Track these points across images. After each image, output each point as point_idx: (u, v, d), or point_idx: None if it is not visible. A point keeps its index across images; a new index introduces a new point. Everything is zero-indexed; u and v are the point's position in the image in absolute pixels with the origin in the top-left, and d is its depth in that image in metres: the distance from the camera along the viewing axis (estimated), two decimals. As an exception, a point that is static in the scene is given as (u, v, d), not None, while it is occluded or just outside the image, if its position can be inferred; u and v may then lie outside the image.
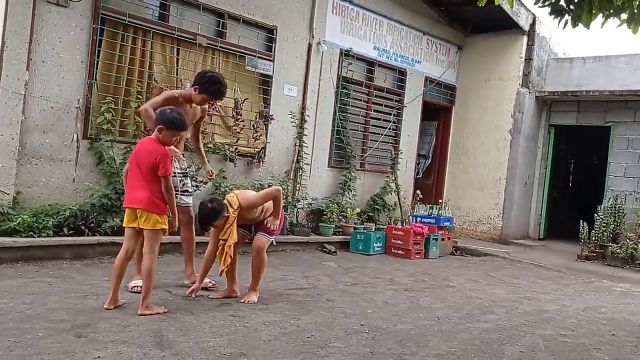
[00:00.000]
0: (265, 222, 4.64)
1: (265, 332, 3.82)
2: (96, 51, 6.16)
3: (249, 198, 4.50)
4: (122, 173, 6.08)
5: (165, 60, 6.83)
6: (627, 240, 8.63)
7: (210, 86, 4.54)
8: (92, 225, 5.74)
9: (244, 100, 7.43)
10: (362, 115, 9.30)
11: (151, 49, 6.66)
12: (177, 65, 6.92)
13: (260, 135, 7.71)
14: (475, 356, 3.74)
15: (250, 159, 7.60)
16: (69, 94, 5.96)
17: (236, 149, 7.37)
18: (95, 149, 6.12)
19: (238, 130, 7.38)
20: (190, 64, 6.98)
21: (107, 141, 6.14)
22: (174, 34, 6.77)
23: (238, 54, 7.41)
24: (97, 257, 5.64)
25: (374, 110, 9.50)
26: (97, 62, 6.20)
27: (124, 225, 4.01)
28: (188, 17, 6.96)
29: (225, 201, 4.49)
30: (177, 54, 6.92)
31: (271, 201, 4.59)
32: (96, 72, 6.20)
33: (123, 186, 5.91)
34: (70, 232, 5.60)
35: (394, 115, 9.80)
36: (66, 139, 5.95)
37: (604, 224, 8.92)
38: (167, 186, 3.94)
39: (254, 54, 7.56)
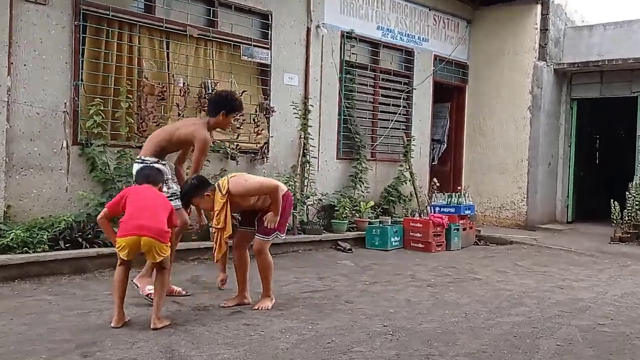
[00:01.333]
0: (264, 219, 4.59)
1: (282, 340, 3.82)
2: (80, 50, 6.15)
3: (240, 185, 4.45)
4: (117, 179, 6.14)
5: (154, 55, 6.78)
6: (663, 218, 8.59)
7: (234, 101, 4.95)
8: (89, 236, 5.75)
9: (241, 93, 7.12)
10: (369, 102, 9.22)
11: (139, 43, 6.62)
12: (168, 60, 6.87)
13: (262, 130, 7.65)
14: (508, 353, 3.73)
15: (252, 155, 7.56)
16: (55, 98, 5.95)
17: (237, 145, 7.33)
18: (87, 155, 6.10)
19: (238, 126, 7.29)
20: (181, 57, 6.95)
21: (98, 146, 6.10)
22: (162, 27, 6.72)
23: (232, 43, 7.35)
24: (97, 270, 5.64)
25: (382, 95, 9.37)
26: (82, 61, 6.19)
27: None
28: (176, 7, 6.91)
29: (216, 185, 4.52)
30: (167, 48, 6.88)
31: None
32: (82, 72, 6.18)
33: (119, 191, 5.94)
34: (67, 245, 5.61)
35: (403, 99, 9.67)
36: (55, 146, 5.95)
37: (637, 202, 8.86)
38: None
39: (249, 42, 7.49)
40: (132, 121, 6.49)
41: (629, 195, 8.96)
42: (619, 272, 6.73)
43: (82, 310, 4.35)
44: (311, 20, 8.16)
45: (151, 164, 4.68)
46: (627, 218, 8.90)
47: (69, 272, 5.50)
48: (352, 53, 8.74)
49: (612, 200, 9.03)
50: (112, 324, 3.97)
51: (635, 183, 9.17)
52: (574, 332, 4.23)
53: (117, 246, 4.02)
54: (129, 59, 6.56)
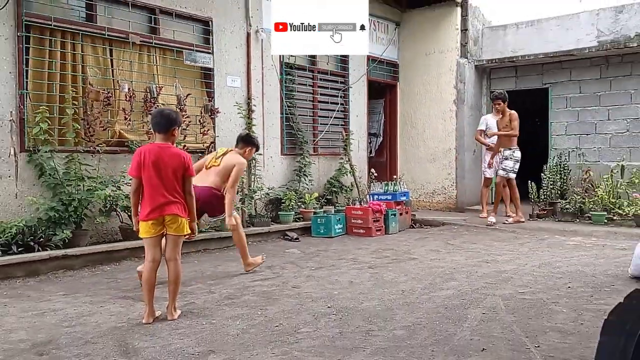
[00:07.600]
0: None
1: (232, 327, 3.81)
2: (24, 60, 5.92)
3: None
4: (66, 183, 5.98)
5: (98, 62, 6.61)
6: (575, 195, 8.95)
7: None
8: (41, 240, 5.59)
9: (186, 96, 7.30)
10: (309, 100, 9.28)
11: (82, 51, 6.43)
12: (112, 66, 6.73)
13: (208, 130, 7.59)
14: (440, 323, 3.84)
15: (200, 155, 7.38)
16: (1, 108, 5.71)
17: (184, 146, 7.20)
18: (35, 162, 5.89)
19: (184, 127, 7.16)
20: (125, 64, 6.82)
21: (46, 152, 5.90)
22: (104, 34, 6.56)
23: (175, 49, 7.26)
24: (51, 272, 5.50)
25: (321, 94, 9.43)
26: (27, 71, 5.96)
27: (146, 236, 3.99)
28: (117, 15, 6.75)
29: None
30: (111, 55, 6.71)
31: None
32: (27, 81, 5.96)
33: (70, 197, 5.88)
34: (20, 249, 5.43)
35: (340, 97, 9.77)
36: (3, 154, 5.73)
37: (552, 182, 9.22)
38: (191, 189, 4.07)
39: (192, 47, 7.42)
40: (79, 127, 6.31)
41: (544, 177, 9.31)
42: (537, 245, 6.94)
43: (37, 311, 4.22)
44: (250, 26, 8.10)
45: None
46: (543, 197, 9.25)
47: (22, 275, 5.34)
48: (291, 55, 8.72)
49: (529, 181, 9.38)
50: (143, 320, 3.96)
51: (549, 165, 9.53)
52: (497, 301, 4.37)
53: None
54: (73, 66, 6.39)
